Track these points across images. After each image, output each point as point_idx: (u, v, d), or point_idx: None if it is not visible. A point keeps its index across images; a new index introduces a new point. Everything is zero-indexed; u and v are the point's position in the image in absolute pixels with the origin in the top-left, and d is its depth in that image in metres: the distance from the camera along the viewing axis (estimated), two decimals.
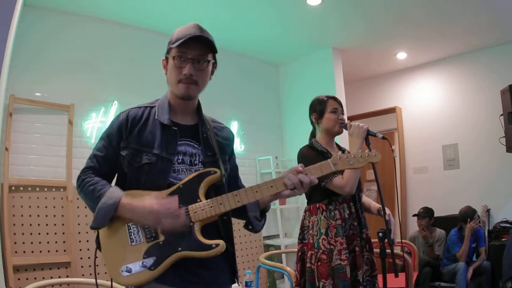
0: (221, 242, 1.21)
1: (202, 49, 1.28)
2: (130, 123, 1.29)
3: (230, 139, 1.46)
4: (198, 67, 1.28)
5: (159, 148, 1.26)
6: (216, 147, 1.35)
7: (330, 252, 1.95)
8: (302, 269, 2.06)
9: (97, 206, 1.20)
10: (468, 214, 3.95)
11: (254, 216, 1.36)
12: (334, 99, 2.21)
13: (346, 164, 1.31)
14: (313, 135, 2.27)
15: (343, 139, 4.31)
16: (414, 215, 4.37)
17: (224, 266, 1.33)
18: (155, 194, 1.21)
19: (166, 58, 1.33)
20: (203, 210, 1.22)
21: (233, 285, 1.36)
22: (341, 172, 2.01)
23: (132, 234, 1.21)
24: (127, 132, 1.28)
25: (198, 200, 1.24)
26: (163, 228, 1.18)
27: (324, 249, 1.96)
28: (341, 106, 2.21)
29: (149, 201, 1.18)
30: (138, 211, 1.18)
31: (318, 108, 2.19)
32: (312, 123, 2.26)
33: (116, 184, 1.31)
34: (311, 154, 2.07)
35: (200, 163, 1.32)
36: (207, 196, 1.26)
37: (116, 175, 1.33)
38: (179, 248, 1.19)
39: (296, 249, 2.16)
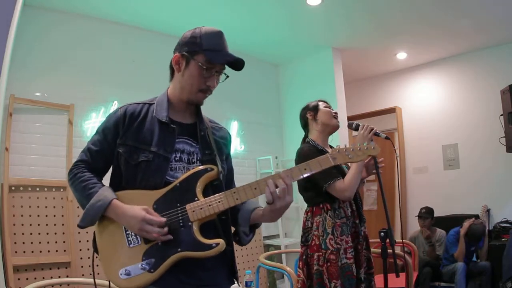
0: (221, 241, 1.18)
1: (224, 66, 1.30)
2: (128, 119, 1.27)
3: (227, 140, 1.45)
4: (217, 79, 1.30)
5: (156, 145, 1.24)
6: (213, 145, 1.34)
7: (338, 251, 1.93)
8: (308, 273, 2.02)
9: (86, 203, 1.20)
10: (477, 232, 3.88)
11: (243, 230, 1.33)
12: (324, 101, 2.26)
13: (345, 158, 1.27)
14: (305, 139, 2.26)
15: (343, 140, 4.31)
16: (416, 216, 4.36)
17: (222, 266, 1.31)
18: (145, 206, 1.19)
19: (184, 56, 1.26)
20: (201, 209, 1.20)
21: (232, 286, 1.34)
22: (342, 175, 2.00)
23: (130, 236, 1.20)
24: (124, 128, 1.26)
25: (196, 198, 1.22)
26: (142, 235, 1.17)
27: (332, 249, 1.93)
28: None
29: (138, 207, 1.18)
30: (126, 214, 1.17)
31: (312, 107, 2.23)
32: (305, 126, 2.26)
33: (111, 181, 1.29)
34: (311, 151, 2.03)
35: (198, 161, 1.30)
36: (204, 195, 1.24)
37: (111, 172, 1.31)
38: (179, 249, 1.17)
39: (296, 249, 2.14)
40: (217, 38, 1.27)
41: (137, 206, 1.18)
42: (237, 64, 1.29)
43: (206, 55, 1.24)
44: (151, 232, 1.15)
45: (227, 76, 1.32)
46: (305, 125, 2.27)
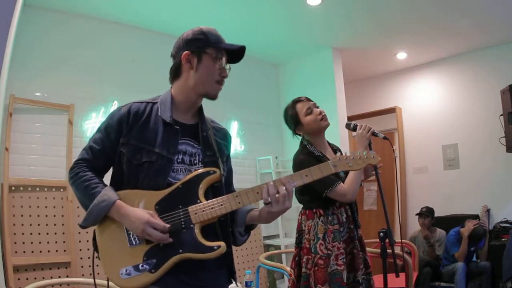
0: (222, 243, 1.19)
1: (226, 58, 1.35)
2: (132, 117, 1.26)
3: (228, 141, 1.46)
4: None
5: (160, 146, 1.24)
6: (215, 147, 1.34)
7: (327, 257, 1.92)
8: (299, 273, 2.03)
9: (89, 203, 1.19)
10: (478, 234, 3.91)
11: (238, 231, 1.34)
12: (300, 101, 2.12)
13: (345, 166, 1.29)
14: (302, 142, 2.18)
15: (343, 141, 4.30)
16: (416, 214, 4.37)
17: (222, 267, 1.31)
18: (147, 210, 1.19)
19: (194, 53, 1.29)
20: (203, 211, 1.21)
21: (230, 285, 1.35)
22: (341, 179, 2.00)
23: (131, 236, 1.19)
24: (128, 127, 1.26)
25: (198, 201, 1.22)
26: (144, 238, 1.17)
27: (322, 254, 1.93)
28: (311, 101, 2.11)
29: (143, 211, 1.18)
30: (130, 215, 1.17)
31: (292, 121, 2.11)
32: (296, 135, 2.18)
33: (112, 180, 1.29)
34: (309, 160, 1.96)
35: (200, 163, 1.31)
36: (205, 197, 1.25)
37: (112, 171, 1.31)
38: (180, 250, 1.17)
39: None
40: (217, 33, 1.33)
41: (141, 209, 1.18)
42: (238, 54, 1.36)
43: (216, 48, 1.30)
44: (153, 236, 1.15)
45: (229, 67, 1.36)
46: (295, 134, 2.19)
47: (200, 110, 1.38)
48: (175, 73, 1.34)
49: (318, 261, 1.93)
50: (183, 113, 1.34)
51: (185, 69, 1.31)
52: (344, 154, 1.31)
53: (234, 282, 1.36)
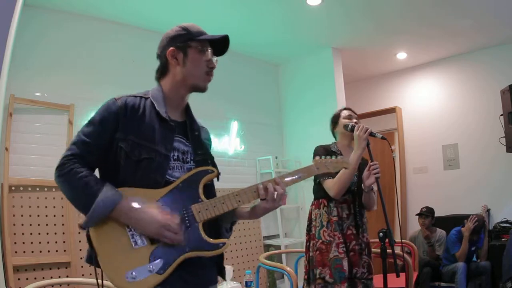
0: (226, 241, 1.22)
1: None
2: (129, 111, 1.23)
3: (209, 140, 1.47)
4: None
5: (158, 143, 1.23)
6: (204, 145, 1.37)
7: (329, 244, 2.10)
8: (309, 258, 2.21)
9: (88, 202, 1.11)
10: (476, 227, 3.90)
11: (225, 227, 1.36)
12: (348, 109, 2.38)
13: (325, 168, 1.43)
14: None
15: None
16: (417, 214, 4.38)
17: (214, 264, 1.35)
18: (155, 206, 1.17)
19: (179, 48, 1.30)
20: (207, 209, 1.22)
21: (225, 282, 1.41)
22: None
23: (135, 236, 1.14)
24: (125, 121, 1.22)
25: (200, 199, 1.23)
26: (163, 240, 1.14)
27: (324, 240, 2.12)
28: (355, 114, 2.37)
29: (152, 210, 1.15)
30: (142, 218, 1.13)
31: (333, 119, 2.38)
32: (333, 134, 2.43)
33: (104, 174, 1.24)
34: (320, 151, 2.20)
35: (191, 161, 1.31)
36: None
37: (104, 168, 1.24)
38: (187, 249, 1.17)
39: (296, 249, 2.25)
40: (199, 27, 1.35)
41: (154, 210, 1.15)
42: (223, 46, 1.35)
43: (199, 40, 1.31)
44: (170, 238, 1.14)
45: (216, 60, 1.37)
46: (333, 134, 2.44)
47: (187, 107, 1.39)
48: (162, 71, 1.35)
49: (320, 246, 2.12)
50: (174, 110, 1.34)
51: (172, 65, 1.31)
52: (324, 158, 1.44)
53: (222, 277, 1.40)
